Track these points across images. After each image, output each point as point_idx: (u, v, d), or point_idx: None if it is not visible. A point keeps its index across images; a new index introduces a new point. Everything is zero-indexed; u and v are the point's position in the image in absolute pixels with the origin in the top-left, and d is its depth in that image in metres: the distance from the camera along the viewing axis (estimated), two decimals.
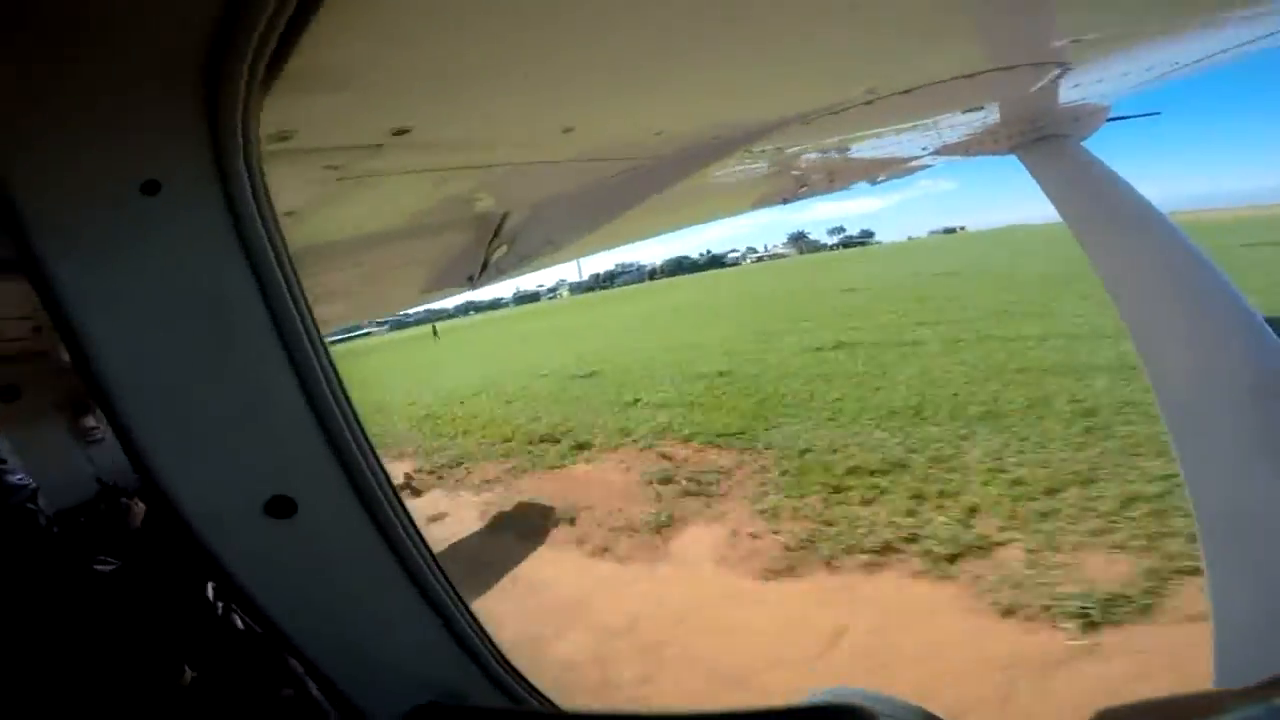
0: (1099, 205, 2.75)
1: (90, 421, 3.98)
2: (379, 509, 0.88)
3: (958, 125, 2.85)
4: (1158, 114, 3.78)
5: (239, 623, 1.87)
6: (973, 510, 5.98)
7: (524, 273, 2.57)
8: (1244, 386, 2.19)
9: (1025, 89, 1.94)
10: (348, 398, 0.87)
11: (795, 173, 3.55)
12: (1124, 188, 2.75)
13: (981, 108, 2.35)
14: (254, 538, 0.81)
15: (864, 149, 3.11)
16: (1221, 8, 1.70)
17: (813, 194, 3.69)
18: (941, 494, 6.39)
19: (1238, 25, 1.88)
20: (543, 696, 1.04)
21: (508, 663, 1.01)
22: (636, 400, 13.02)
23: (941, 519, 5.93)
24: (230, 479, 0.80)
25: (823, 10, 1.16)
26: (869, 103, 1.79)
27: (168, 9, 0.67)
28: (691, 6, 1.01)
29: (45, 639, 1.70)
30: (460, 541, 7.84)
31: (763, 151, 2.33)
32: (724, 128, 1.78)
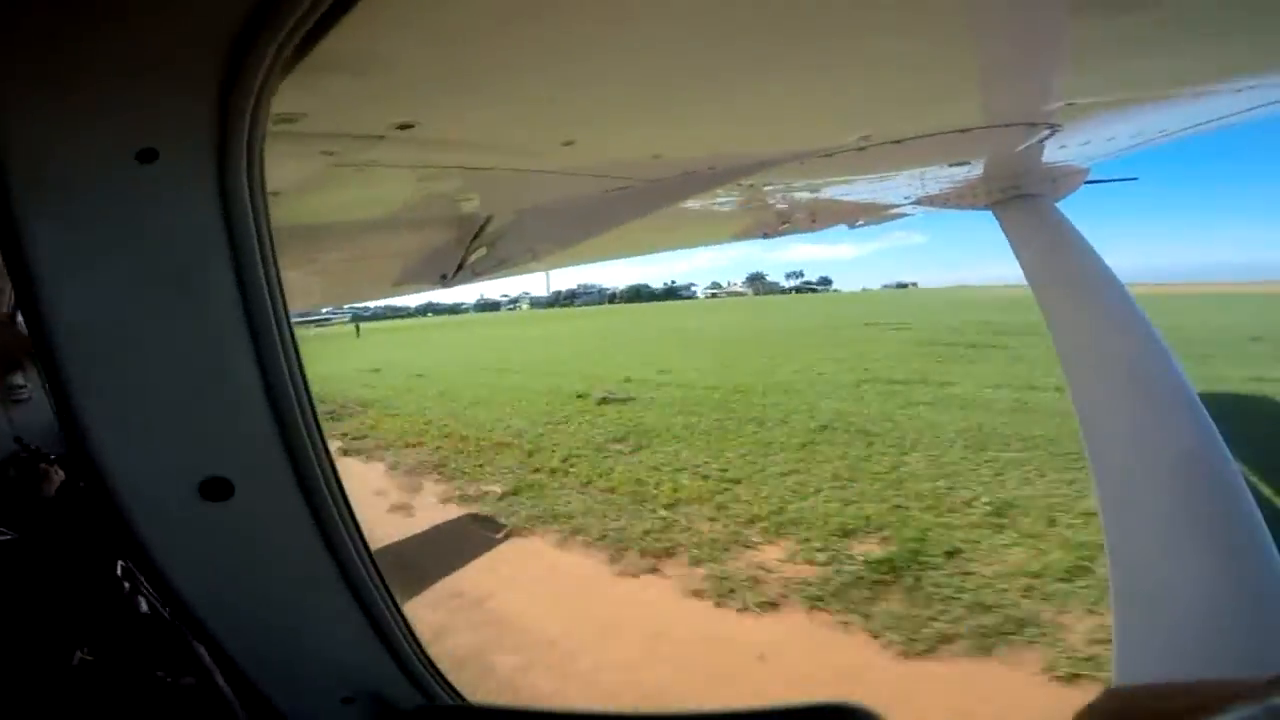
0: (1061, 267, 2.86)
1: (18, 379, 3.77)
2: (320, 501, 0.86)
3: (940, 178, 2.95)
4: (1135, 179, 3.89)
5: (144, 606, 1.77)
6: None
7: (497, 277, 2.56)
8: (1175, 460, 2.31)
9: (1013, 147, 2.02)
10: (306, 385, 0.84)
11: (780, 209, 3.62)
12: (1088, 253, 2.87)
13: (966, 162, 2.44)
14: (184, 518, 0.78)
15: (848, 192, 3.19)
16: (1220, 78, 1.79)
17: (793, 231, 3.76)
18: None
19: (1231, 95, 1.98)
20: (459, 696, 1.01)
21: (429, 661, 0.99)
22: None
23: None
24: (169, 455, 0.76)
25: (827, 54, 1.20)
26: (861, 149, 1.84)
27: None
28: (701, 39, 1.03)
29: None
30: None
31: (749, 185, 2.38)
32: (719, 159, 1.81)
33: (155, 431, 0.77)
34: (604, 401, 13.52)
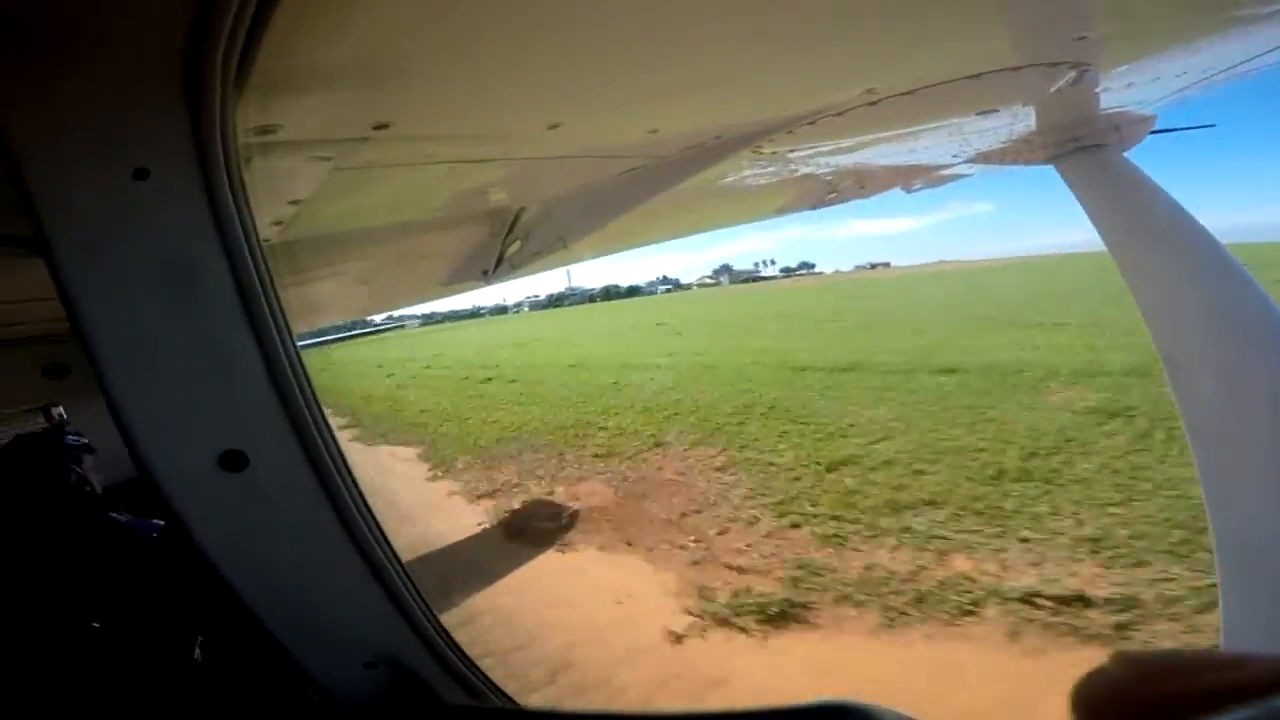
0: (1136, 219, 2.63)
1: None
2: (325, 470, 0.95)
3: (987, 132, 2.78)
4: (1212, 125, 3.51)
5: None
6: None
7: (537, 271, 2.65)
8: (1274, 406, 2.07)
9: (1039, 92, 1.88)
10: (304, 366, 0.94)
11: (822, 177, 3.52)
12: (1165, 201, 2.63)
13: (1003, 113, 2.29)
14: (207, 488, 0.89)
15: (890, 154, 3.06)
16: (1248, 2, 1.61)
17: (841, 200, 3.64)
18: None
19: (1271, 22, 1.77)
20: (473, 664, 1.08)
21: (442, 628, 1.06)
22: None
23: None
24: (189, 433, 0.88)
25: (815, 3, 1.17)
26: (873, 104, 1.78)
27: (148, 14, 0.75)
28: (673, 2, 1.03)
29: (74, 598, 1.84)
30: None
31: (774, 154, 2.33)
32: (723, 127, 1.80)
33: (175, 413, 0.89)
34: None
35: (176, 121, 0.82)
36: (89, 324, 0.85)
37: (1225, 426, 2.13)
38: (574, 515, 7.55)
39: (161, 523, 2.23)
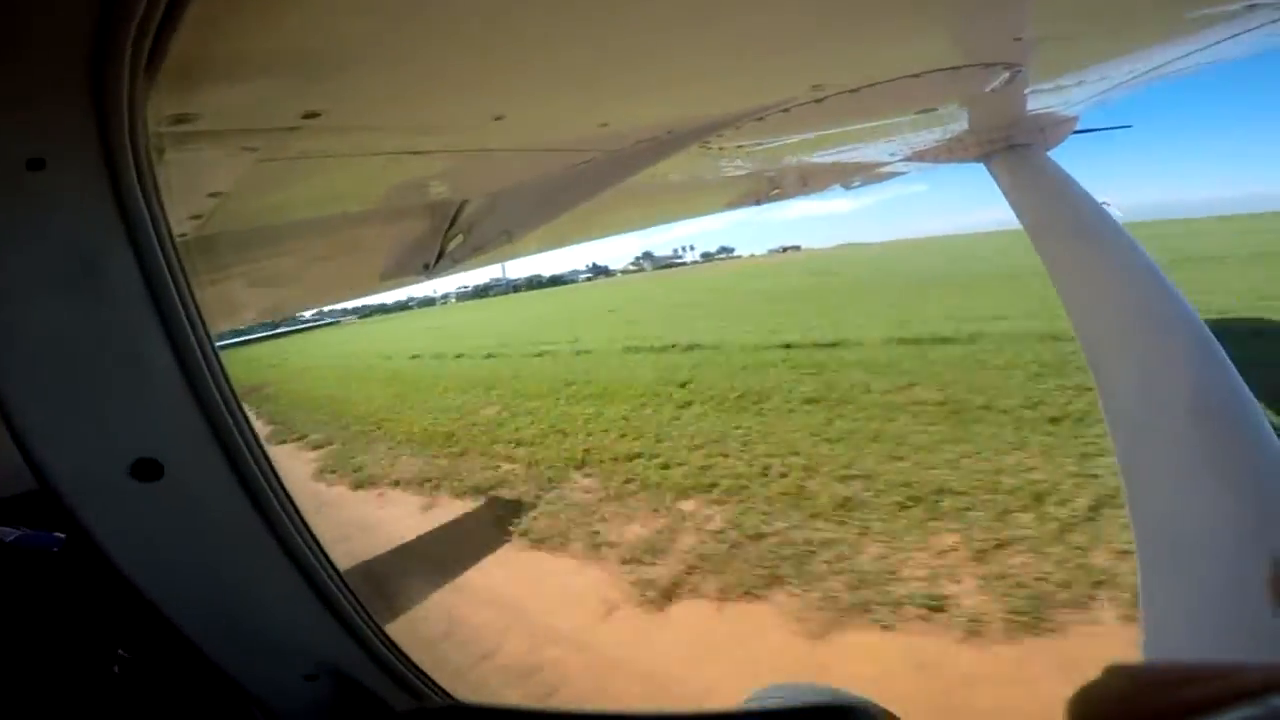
0: (1059, 215, 2.77)
1: None
2: (249, 474, 0.89)
3: (923, 132, 2.87)
4: (1129, 126, 3.76)
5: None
6: None
7: (479, 265, 2.58)
8: (1190, 399, 2.22)
9: (976, 91, 1.95)
10: (222, 366, 0.88)
11: (768, 174, 3.56)
12: (1084, 198, 2.78)
13: (940, 113, 2.36)
14: (120, 501, 0.82)
15: (832, 153, 3.12)
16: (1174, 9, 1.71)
17: (785, 197, 3.70)
18: None
19: (1198, 28, 1.88)
20: (420, 671, 1.05)
21: (382, 633, 1.02)
22: None
23: None
24: (96, 441, 0.81)
25: (762, 1, 1.16)
26: (819, 101, 1.80)
27: None
28: None
29: None
30: None
31: (722, 150, 2.34)
32: (674, 122, 1.79)
33: (80, 421, 0.82)
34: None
35: (77, 109, 0.75)
36: None
37: (1144, 419, 2.27)
38: None
39: (63, 535, 2.08)
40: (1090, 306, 2.59)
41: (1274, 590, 1.63)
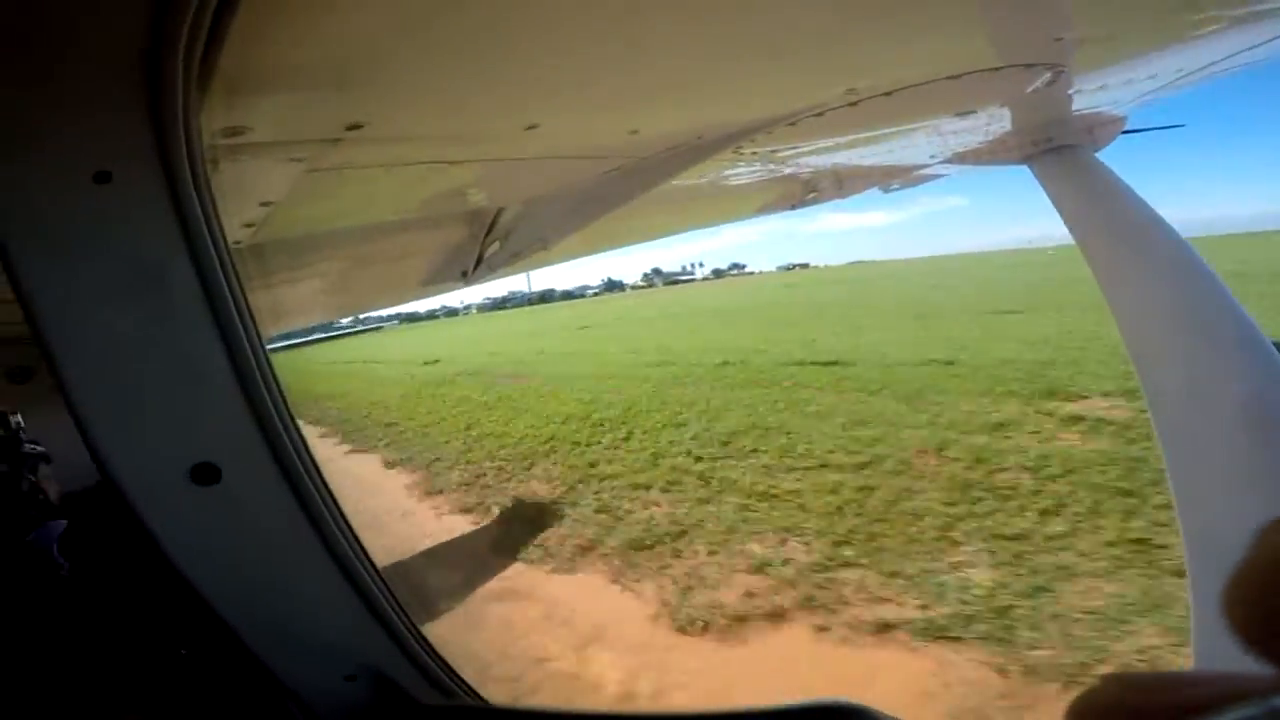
0: (1107, 218, 2.68)
1: None
2: (298, 480, 0.92)
3: (963, 133, 2.81)
4: (1182, 125, 3.60)
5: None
6: None
7: (515, 271, 2.62)
8: (1244, 411, 2.12)
9: (1016, 93, 1.91)
10: (274, 374, 0.92)
11: (801, 178, 3.53)
12: (1135, 201, 2.68)
13: (980, 114, 2.31)
14: (180, 503, 0.86)
15: (868, 155, 3.08)
16: (1221, 5, 1.64)
17: (820, 200, 3.66)
18: None
19: (1242, 26, 1.81)
20: (455, 674, 1.07)
21: (422, 638, 1.05)
22: None
23: None
24: (159, 445, 0.85)
25: (794, 5, 1.16)
26: (853, 104, 1.78)
27: (106, 14, 0.72)
28: (652, 2, 1.02)
29: (40, 613, 1.79)
30: None
31: (755, 154, 2.34)
32: (704, 128, 1.79)
33: (144, 425, 0.86)
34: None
35: (138, 124, 0.80)
36: (50, 332, 0.82)
37: (1193, 425, 2.18)
38: None
39: (64, 522, 2.19)
40: (1140, 314, 2.49)
41: None
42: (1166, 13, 1.66)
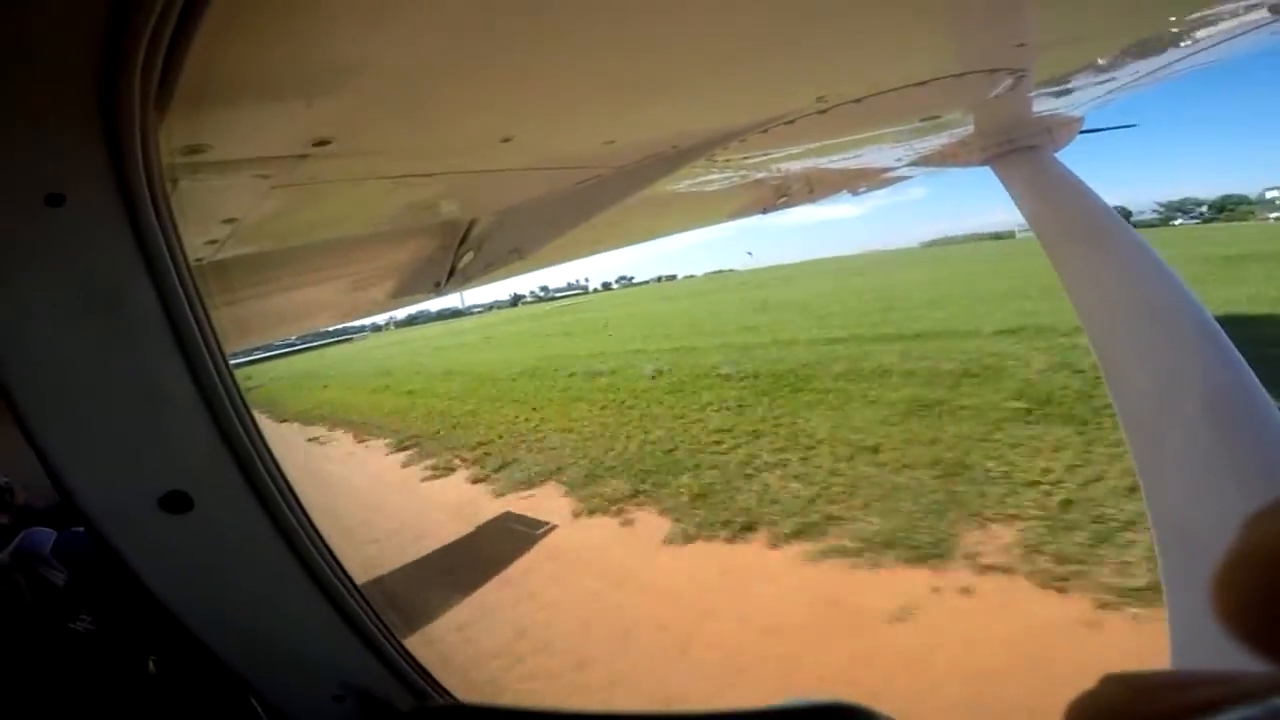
0: (1066, 215, 2.76)
1: None
2: (274, 505, 0.90)
3: (929, 136, 2.86)
4: (1134, 126, 3.74)
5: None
6: None
7: (489, 281, 2.60)
8: (1203, 399, 2.20)
9: (980, 97, 1.95)
10: (242, 397, 0.89)
11: (773, 183, 3.56)
12: (1092, 199, 2.77)
13: (945, 118, 2.36)
14: (150, 532, 0.82)
15: (838, 160, 3.12)
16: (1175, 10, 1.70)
17: (791, 204, 3.70)
18: None
19: (1197, 29, 1.88)
20: (444, 690, 1.05)
21: (407, 653, 1.03)
22: None
23: None
24: (125, 475, 0.81)
25: (764, 15, 1.17)
26: (823, 111, 1.80)
27: (57, 30, 0.69)
28: (625, 14, 1.02)
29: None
30: None
31: (728, 162, 2.35)
32: (679, 137, 1.80)
33: (109, 454, 0.83)
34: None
35: (92, 144, 0.76)
36: (3, 359, 0.78)
37: (1158, 418, 2.25)
38: None
39: (52, 533, 2.15)
40: (1100, 307, 2.57)
41: None
42: (1126, 16, 1.71)
